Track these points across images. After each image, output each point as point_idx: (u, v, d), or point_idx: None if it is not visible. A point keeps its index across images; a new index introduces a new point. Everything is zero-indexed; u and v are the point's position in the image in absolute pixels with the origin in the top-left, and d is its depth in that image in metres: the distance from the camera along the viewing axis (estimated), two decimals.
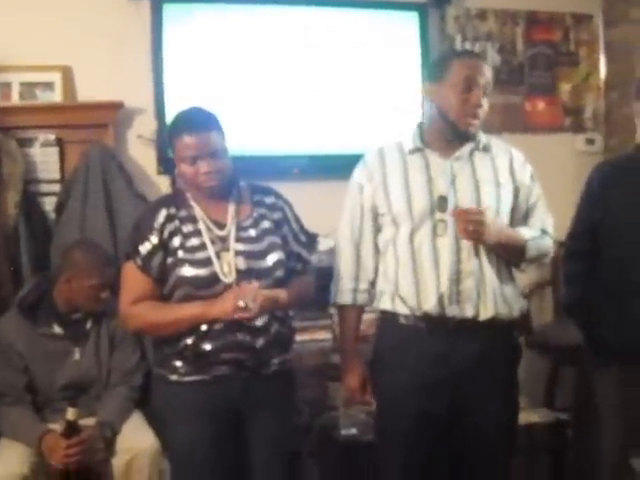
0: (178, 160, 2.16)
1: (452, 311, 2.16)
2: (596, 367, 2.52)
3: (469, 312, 2.16)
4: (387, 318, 2.27)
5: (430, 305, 2.17)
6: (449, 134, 2.23)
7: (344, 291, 2.31)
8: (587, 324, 2.53)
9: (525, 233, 2.24)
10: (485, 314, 2.17)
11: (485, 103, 2.21)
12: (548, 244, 2.30)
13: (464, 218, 2.11)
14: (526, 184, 2.28)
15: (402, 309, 2.21)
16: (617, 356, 2.42)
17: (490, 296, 2.17)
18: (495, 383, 2.20)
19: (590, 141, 4.02)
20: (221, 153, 2.15)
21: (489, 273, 2.18)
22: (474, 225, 2.10)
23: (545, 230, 2.30)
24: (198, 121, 2.15)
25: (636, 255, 2.38)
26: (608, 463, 2.47)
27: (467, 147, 2.24)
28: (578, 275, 2.52)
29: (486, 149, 2.27)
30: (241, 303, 2.02)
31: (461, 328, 2.16)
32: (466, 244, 2.17)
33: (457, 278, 2.16)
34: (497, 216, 2.19)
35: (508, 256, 2.23)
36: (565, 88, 4.04)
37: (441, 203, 2.18)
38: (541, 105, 4.01)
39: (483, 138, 2.27)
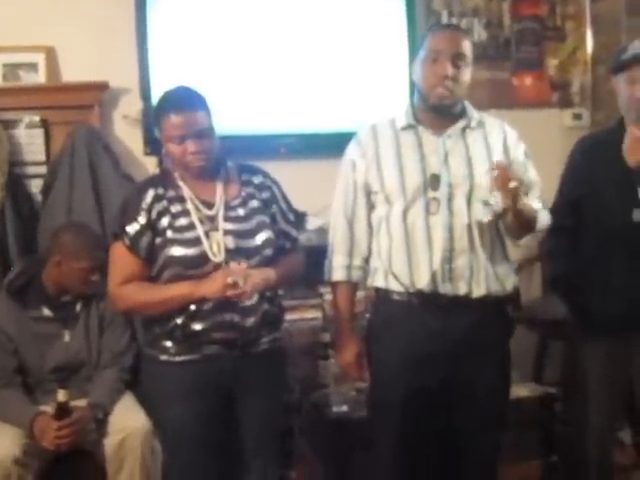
0: (165, 140, 2.15)
1: (445, 289, 2.17)
2: (581, 340, 2.55)
3: (462, 290, 2.17)
4: (380, 295, 2.28)
5: (423, 283, 2.17)
6: (426, 109, 2.23)
7: (338, 267, 2.30)
8: (572, 298, 2.56)
9: (535, 205, 2.24)
10: (478, 292, 2.17)
11: (459, 74, 2.17)
12: (548, 218, 2.31)
13: (505, 175, 2.03)
14: (520, 161, 2.26)
15: (395, 286, 2.22)
16: (602, 328, 2.44)
17: (483, 274, 2.18)
18: (488, 358, 2.22)
19: (577, 116, 4.01)
20: (208, 132, 2.14)
21: (482, 251, 2.18)
22: (513, 185, 2.03)
23: (545, 205, 2.31)
24: (185, 100, 2.14)
25: (621, 228, 2.39)
26: (595, 435, 2.51)
27: (459, 124, 2.23)
28: (561, 250, 2.54)
29: (479, 126, 2.26)
30: (229, 280, 2.03)
31: (454, 304, 2.17)
32: (459, 222, 2.16)
33: (450, 256, 2.16)
34: (490, 195, 2.17)
35: (523, 226, 2.20)
36: (552, 63, 4.02)
37: (433, 181, 2.18)
38: (528, 80, 4.00)
39: (475, 115, 2.27)
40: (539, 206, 2.26)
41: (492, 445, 2.30)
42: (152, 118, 2.27)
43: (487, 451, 2.29)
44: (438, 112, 2.22)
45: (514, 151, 2.27)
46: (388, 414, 2.26)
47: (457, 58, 2.17)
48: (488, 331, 2.21)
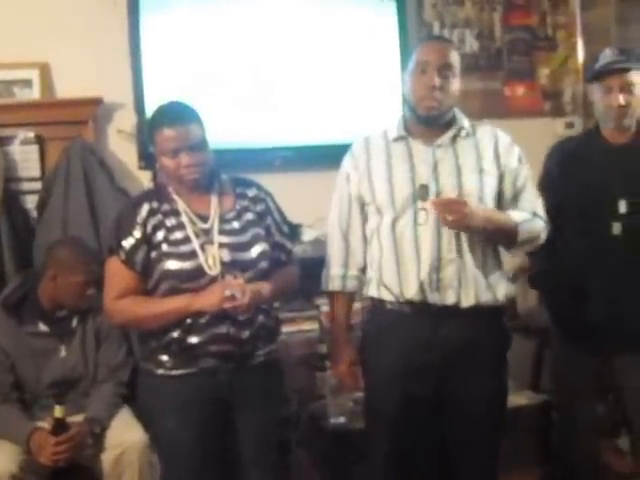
0: (159, 154, 2.16)
1: (433, 298, 2.18)
2: (562, 344, 2.58)
3: (450, 299, 2.18)
4: (375, 304, 2.30)
5: (412, 293, 2.19)
6: (416, 120, 2.25)
7: (334, 278, 2.34)
8: (551, 299, 2.58)
9: (516, 216, 2.23)
10: (467, 301, 2.18)
11: (447, 84, 2.18)
12: (539, 226, 2.28)
13: (443, 209, 2.10)
14: (512, 167, 2.27)
15: (387, 296, 2.24)
16: (580, 335, 2.47)
17: (471, 284, 2.18)
18: (481, 368, 2.21)
19: (570, 125, 4.03)
20: (202, 145, 2.15)
21: (470, 261, 2.19)
22: (454, 215, 2.09)
23: (536, 212, 2.28)
24: (178, 114, 2.16)
25: (600, 241, 2.42)
26: (581, 439, 2.52)
27: (449, 133, 2.24)
28: (542, 248, 2.56)
29: (469, 135, 2.26)
30: (227, 292, 2.03)
31: (444, 314, 2.18)
32: (447, 232, 2.17)
33: (438, 266, 2.17)
34: (480, 203, 2.19)
35: (499, 241, 2.23)
36: (544, 72, 4.05)
37: (422, 191, 2.19)
38: (520, 90, 4.02)
39: (466, 124, 2.28)
40: (523, 217, 2.24)
41: (487, 455, 2.29)
42: (145, 133, 2.27)
43: (481, 461, 2.28)
44: (427, 123, 2.23)
45: (505, 158, 2.27)
46: (382, 423, 2.27)
47: (444, 69, 2.19)
48: (481, 341, 2.21)
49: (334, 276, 2.34)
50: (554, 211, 2.51)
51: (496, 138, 2.29)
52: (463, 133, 2.26)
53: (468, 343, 2.18)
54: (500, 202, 2.26)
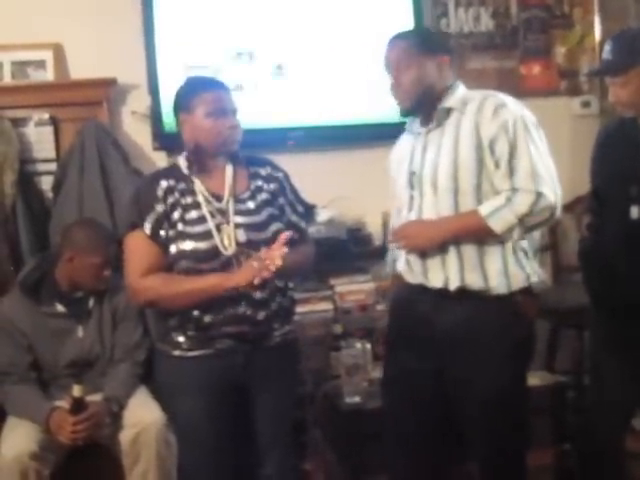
0: (202, 117, 2.13)
1: (425, 282, 2.22)
2: (594, 326, 2.56)
3: (437, 283, 2.19)
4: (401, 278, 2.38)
5: (409, 278, 2.27)
6: None
7: (387, 262, 2.49)
8: (585, 275, 2.58)
9: (484, 209, 2.10)
10: (453, 284, 2.16)
11: (397, 80, 2.22)
12: (517, 206, 2.07)
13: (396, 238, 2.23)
14: (490, 135, 2.10)
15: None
16: (610, 314, 2.45)
17: (454, 268, 2.16)
18: (478, 353, 2.17)
19: (586, 104, 3.99)
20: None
21: (453, 246, 2.16)
22: (404, 241, 2.23)
23: (516, 188, 2.08)
24: (215, 80, 2.22)
25: (620, 225, 2.40)
26: (607, 421, 2.51)
27: (437, 115, 2.20)
28: (592, 228, 2.57)
29: (459, 109, 2.18)
30: (255, 264, 2.01)
31: (441, 295, 2.19)
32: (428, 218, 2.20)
33: (421, 252, 2.21)
34: (454, 182, 2.13)
35: (476, 240, 2.15)
36: (560, 51, 4.00)
37: (411, 179, 2.23)
38: (536, 69, 3.98)
39: (451, 102, 2.19)
40: (494, 205, 2.09)
41: (488, 439, 2.23)
42: (174, 108, 2.22)
43: (483, 444, 2.24)
44: (406, 116, 2.30)
45: (487, 127, 2.12)
46: (383, 389, 2.43)
47: (389, 69, 2.25)
48: (481, 327, 2.16)
49: (387, 261, 2.48)
50: (596, 194, 2.51)
51: (481, 105, 2.14)
52: (452, 113, 2.18)
53: (465, 327, 2.16)
54: (483, 174, 2.12)
